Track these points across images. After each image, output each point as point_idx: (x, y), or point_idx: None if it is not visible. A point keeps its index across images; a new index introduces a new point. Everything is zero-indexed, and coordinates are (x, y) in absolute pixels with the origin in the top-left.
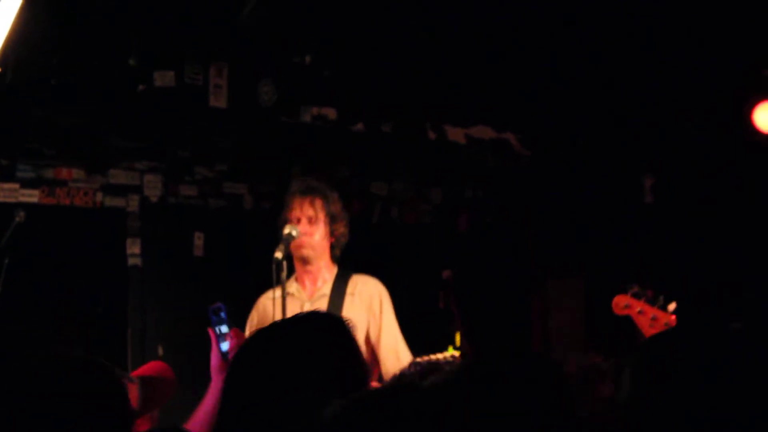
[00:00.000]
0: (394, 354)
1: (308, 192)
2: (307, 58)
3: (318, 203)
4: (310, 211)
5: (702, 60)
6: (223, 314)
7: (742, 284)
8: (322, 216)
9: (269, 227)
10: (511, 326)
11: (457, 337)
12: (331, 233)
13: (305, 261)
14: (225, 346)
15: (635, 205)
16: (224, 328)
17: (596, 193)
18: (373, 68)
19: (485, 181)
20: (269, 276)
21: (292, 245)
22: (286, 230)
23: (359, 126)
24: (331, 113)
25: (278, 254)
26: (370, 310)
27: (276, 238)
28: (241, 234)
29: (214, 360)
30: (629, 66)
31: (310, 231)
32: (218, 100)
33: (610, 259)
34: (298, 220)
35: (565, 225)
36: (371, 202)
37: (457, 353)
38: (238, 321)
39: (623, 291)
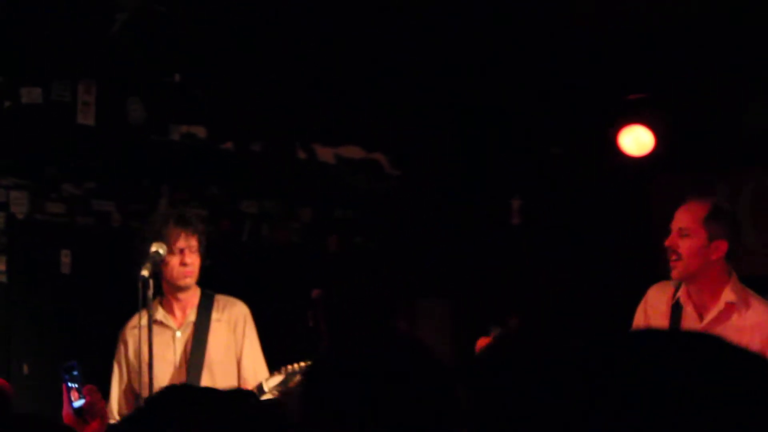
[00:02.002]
0: (254, 377)
1: (188, 223)
2: (177, 76)
3: (196, 234)
4: (191, 241)
5: (569, 84)
6: (75, 372)
7: (607, 304)
8: (198, 245)
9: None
10: None
11: None
12: (203, 261)
13: (181, 290)
14: (78, 403)
15: (503, 226)
16: (76, 385)
17: (465, 215)
18: (243, 87)
19: (355, 201)
20: (137, 294)
21: (176, 274)
22: (153, 248)
23: (228, 145)
24: (200, 131)
25: (145, 272)
26: (235, 333)
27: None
28: (109, 252)
29: (66, 414)
30: (497, 89)
31: (193, 261)
32: (86, 118)
33: (477, 280)
34: (181, 251)
35: (433, 246)
36: (241, 221)
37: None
38: (106, 340)
39: (485, 333)
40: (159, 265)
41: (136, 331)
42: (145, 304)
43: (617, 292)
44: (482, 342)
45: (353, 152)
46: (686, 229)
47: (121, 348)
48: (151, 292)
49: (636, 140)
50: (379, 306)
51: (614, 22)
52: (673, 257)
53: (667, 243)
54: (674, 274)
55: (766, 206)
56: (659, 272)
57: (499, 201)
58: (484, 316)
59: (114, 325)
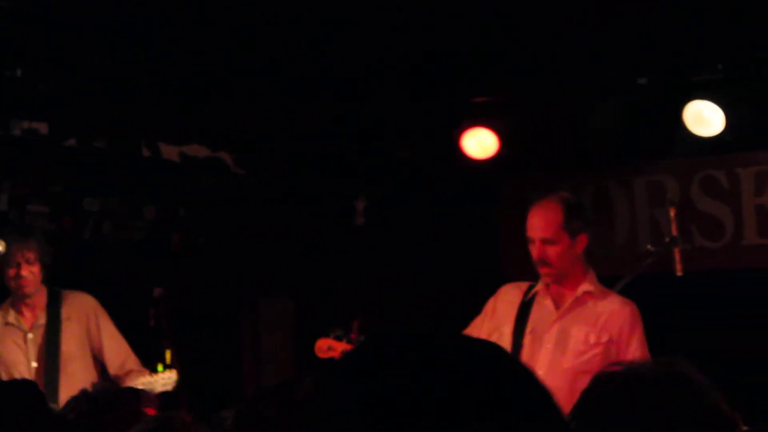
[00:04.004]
0: (121, 365)
1: (25, 236)
2: (18, 71)
3: (34, 245)
4: (28, 255)
5: (414, 87)
6: None
7: (451, 305)
8: (37, 255)
9: None
10: (222, 345)
11: (168, 355)
12: (45, 267)
13: (25, 296)
14: None
15: (347, 226)
16: None
17: (309, 214)
18: (86, 83)
19: (199, 200)
20: None
21: (13, 284)
22: None
23: (71, 141)
24: (42, 127)
25: None
26: (88, 328)
27: None
28: None
29: None
30: (343, 90)
31: (30, 272)
32: None
33: (321, 280)
34: (18, 264)
35: (277, 245)
36: (83, 218)
37: (168, 372)
38: None
39: (325, 334)
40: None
41: None
42: None
43: (461, 292)
44: (321, 343)
45: (198, 151)
46: (549, 237)
47: None
48: None
49: (480, 143)
50: (223, 305)
51: (457, 25)
52: (543, 266)
53: (535, 256)
54: (548, 280)
55: (606, 207)
56: (503, 273)
57: (343, 201)
58: (327, 315)
59: None
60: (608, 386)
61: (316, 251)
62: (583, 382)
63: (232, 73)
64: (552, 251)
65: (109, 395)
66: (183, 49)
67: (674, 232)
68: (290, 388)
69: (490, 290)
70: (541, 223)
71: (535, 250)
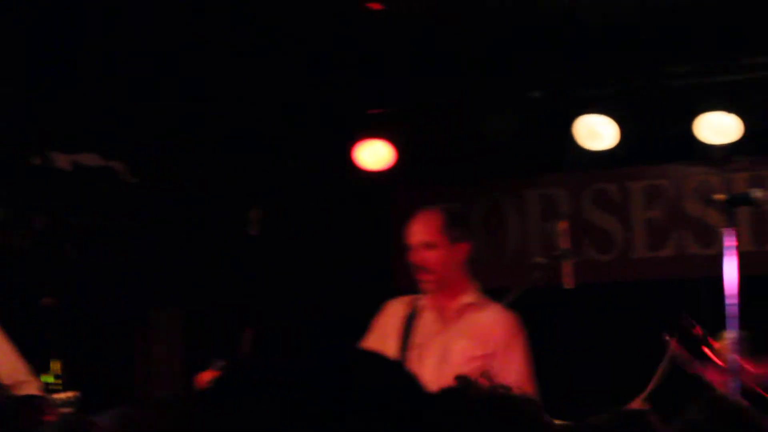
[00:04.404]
0: (10, 373)
1: None
2: None
3: None
4: None
5: (308, 98)
6: None
7: (345, 316)
8: None
9: None
10: (113, 356)
11: (55, 365)
12: None
13: None
14: None
15: (240, 237)
16: None
17: (202, 224)
18: None
19: (92, 209)
20: None
21: None
22: None
23: None
24: None
25: None
26: None
27: None
28: None
29: None
30: (236, 100)
31: None
32: None
33: (213, 290)
34: None
35: (169, 255)
36: None
37: (59, 381)
38: None
39: (206, 367)
40: None
41: None
42: None
43: (354, 304)
44: (204, 375)
45: (90, 159)
46: (428, 241)
47: None
48: None
49: (374, 154)
50: (113, 314)
51: (351, 37)
52: (423, 273)
53: (413, 260)
54: (428, 287)
55: (499, 220)
56: (396, 285)
57: (237, 211)
58: (219, 326)
59: None
60: None
61: (208, 261)
62: None
63: (124, 82)
64: (432, 256)
65: (10, 403)
66: (75, 58)
67: (564, 244)
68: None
69: (383, 301)
70: (420, 227)
71: (414, 256)
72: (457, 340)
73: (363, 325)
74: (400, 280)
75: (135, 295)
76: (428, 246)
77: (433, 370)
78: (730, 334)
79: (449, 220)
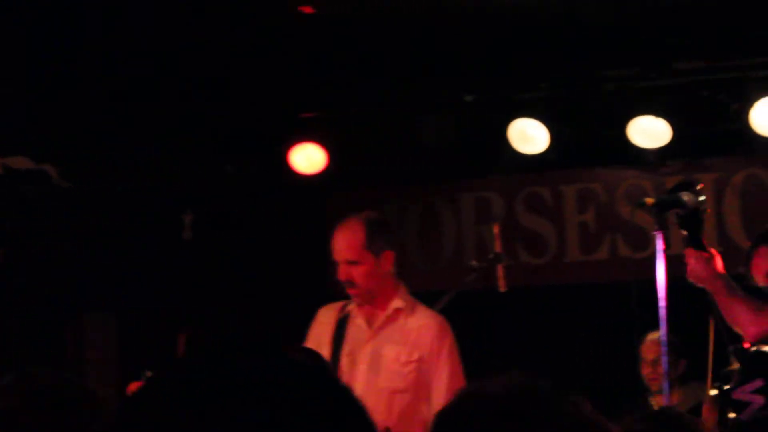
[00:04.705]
0: None
1: None
2: None
3: None
4: None
5: (242, 102)
6: None
7: (279, 321)
8: None
9: None
10: (46, 360)
11: None
12: None
13: None
14: None
15: (175, 240)
16: None
17: (136, 227)
18: None
19: (24, 212)
20: None
21: None
22: None
23: None
24: None
25: None
26: None
27: None
28: None
29: None
30: (168, 105)
31: None
32: None
33: (147, 294)
34: None
35: (102, 258)
36: None
37: None
38: None
39: (137, 377)
40: None
41: None
42: None
43: (289, 308)
44: (134, 386)
45: (21, 163)
46: (352, 259)
47: None
48: None
49: (308, 158)
50: (46, 318)
51: (287, 40)
52: (350, 287)
53: (340, 278)
54: (358, 301)
55: (433, 223)
56: (329, 289)
57: (170, 215)
58: (153, 330)
59: None
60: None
61: (143, 265)
62: (400, 400)
63: (55, 84)
64: (357, 272)
65: None
66: (5, 61)
67: (498, 248)
68: None
69: (318, 305)
70: (343, 245)
71: (340, 272)
72: (387, 346)
73: (297, 329)
74: (334, 282)
75: (68, 299)
76: (353, 263)
77: (365, 377)
78: (656, 336)
79: (371, 232)
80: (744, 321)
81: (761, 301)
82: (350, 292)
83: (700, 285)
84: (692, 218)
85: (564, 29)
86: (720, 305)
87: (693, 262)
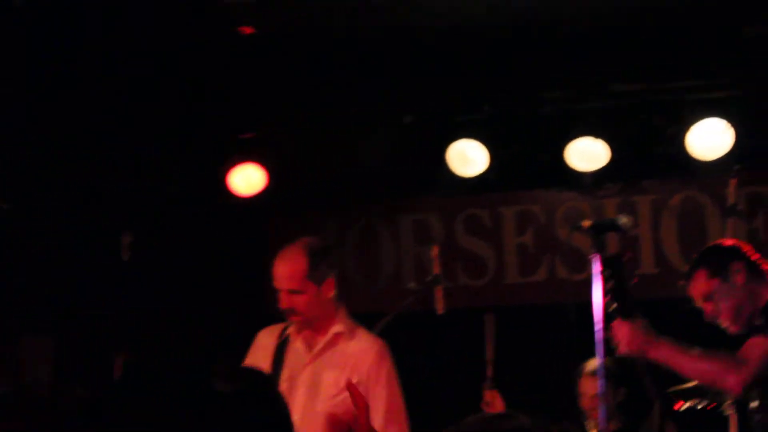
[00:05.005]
0: None
1: None
2: None
3: None
4: None
5: (181, 121)
6: None
7: (216, 343)
8: None
9: None
10: None
11: None
12: None
13: None
14: None
15: (113, 261)
16: None
17: (73, 248)
18: None
19: None
20: None
21: None
22: None
23: None
24: None
25: None
26: None
27: None
28: None
29: None
30: (108, 122)
31: None
32: None
33: (84, 316)
34: None
35: (38, 280)
36: None
37: None
38: None
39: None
40: None
41: None
42: None
43: (227, 330)
44: None
45: None
46: (294, 289)
47: None
48: None
49: (246, 179)
50: None
51: (226, 60)
52: (294, 316)
53: (282, 306)
54: (299, 327)
55: (373, 245)
56: (267, 310)
57: (109, 236)
58: (90, 352)
59: None
60: None
61: (80, 287)
62: (338, 426)
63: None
64: (299, 301)
65: None
66: None
67: (436, 270)
68: None
69: (256, 327)
70: (285, 274)
71: (282, 301)
72: (326, 370)
73: (236, 352)
74: (273, 305)
75: (3, 322)
76: (294, 292)
77: (304, 402)
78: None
79: (313, 262)
80: (718, 376)
81: (722, 352)
82: (292, 319)
83: (638, 356)
84: (615, 267)
85: (503, 52)
86: (676, 369)
87: (625, 332)
